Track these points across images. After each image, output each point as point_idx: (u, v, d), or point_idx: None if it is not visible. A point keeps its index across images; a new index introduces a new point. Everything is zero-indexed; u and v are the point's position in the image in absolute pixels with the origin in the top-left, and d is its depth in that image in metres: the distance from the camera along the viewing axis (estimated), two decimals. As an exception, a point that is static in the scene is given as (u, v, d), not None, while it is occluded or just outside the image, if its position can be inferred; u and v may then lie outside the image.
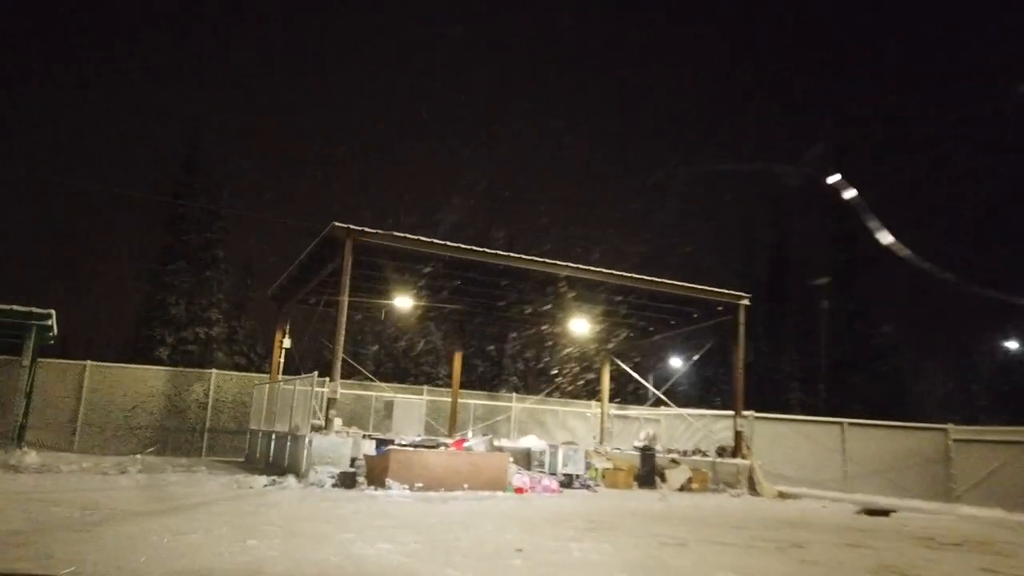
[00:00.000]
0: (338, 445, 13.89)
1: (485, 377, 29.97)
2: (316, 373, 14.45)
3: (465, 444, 13.76)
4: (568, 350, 22.91)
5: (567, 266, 16.74)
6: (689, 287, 18.18)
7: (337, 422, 16.65)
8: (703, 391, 34.90)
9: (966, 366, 39.13)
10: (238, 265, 28.86)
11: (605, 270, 17.18)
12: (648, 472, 17.29)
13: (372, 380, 22.11)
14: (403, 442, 15.59)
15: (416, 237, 15.21)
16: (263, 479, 12.51)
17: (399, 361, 27.76)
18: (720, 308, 19.70)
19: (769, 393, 33.97)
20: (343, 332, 14.54)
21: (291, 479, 12.73)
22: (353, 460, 14.20)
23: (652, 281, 17.72)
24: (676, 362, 34.89)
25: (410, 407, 17.81)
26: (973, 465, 20.44)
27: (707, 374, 34.28)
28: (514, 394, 24.52)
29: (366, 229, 14.81)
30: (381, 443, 15.91)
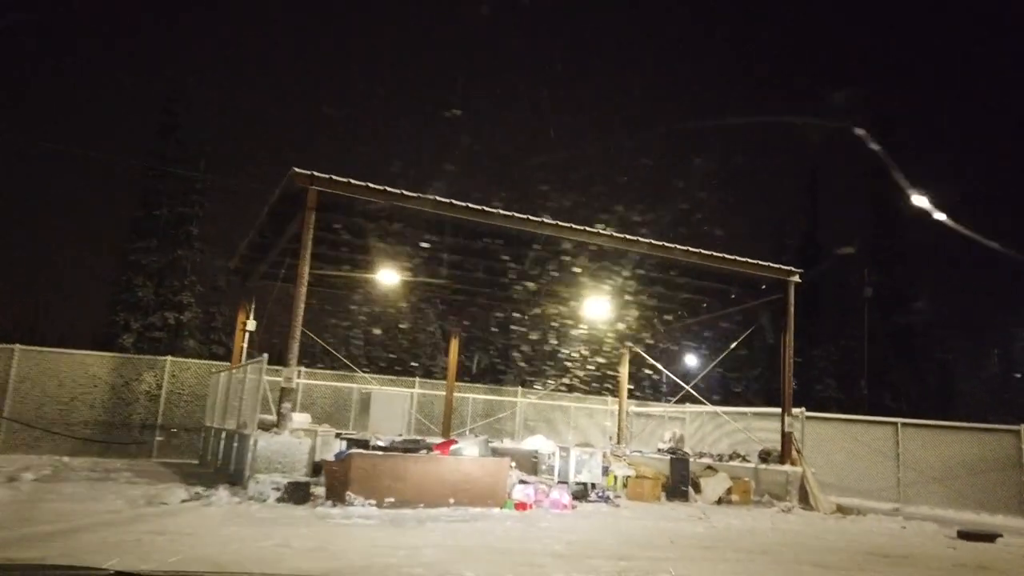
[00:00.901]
0: (292, 447, 10.93)
1: (489, 370, 26.99)
2: (266, 357, 11.50)
3: (453, 447, 10.77)
4: (582, 337, 19.82)
5: (583, 230, 13.71)
6: (731, 259, 15.09)
7: (300, 418, 13.74)
8: (723, 386, 31.77)
9: (1017, 360, 35.73)
10: (217, 244, 25.90)
11: (628, 236, 14.13)
12: (679, 481, 14.24)
13: (354, 370, 19.12)
14: (379, 443, 12.65)
15: (395, 190, 12.23)
16: (183, 492, 9.56)
17: (392, 350, 24.77)
18: (764, 287, 16.60)
19: (802, 390, 30.83)
20: (301, 306, 11.59)
21: (222, 492, 9.77)
22: (318, 467, 11.30)
23: (685, 251, 14.64)
24: (691, 355, 31.81)
25: (391, 401, 14.83)
26: None
27: (730, 365, 31.08)
28: (519, 388, 21.54)
29: (334, 177, 11.85)
30: (353, 445, 12.98)
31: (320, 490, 10.28)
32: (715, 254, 14.96)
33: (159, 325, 24.17)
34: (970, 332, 33.69)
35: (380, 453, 10.02)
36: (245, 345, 16.00)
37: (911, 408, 28.03)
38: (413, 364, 24.39)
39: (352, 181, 11.97)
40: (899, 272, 34.28)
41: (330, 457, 11.50)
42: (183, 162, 25.93)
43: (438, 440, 13.02)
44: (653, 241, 14.24)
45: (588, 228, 13.76)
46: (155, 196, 25.50)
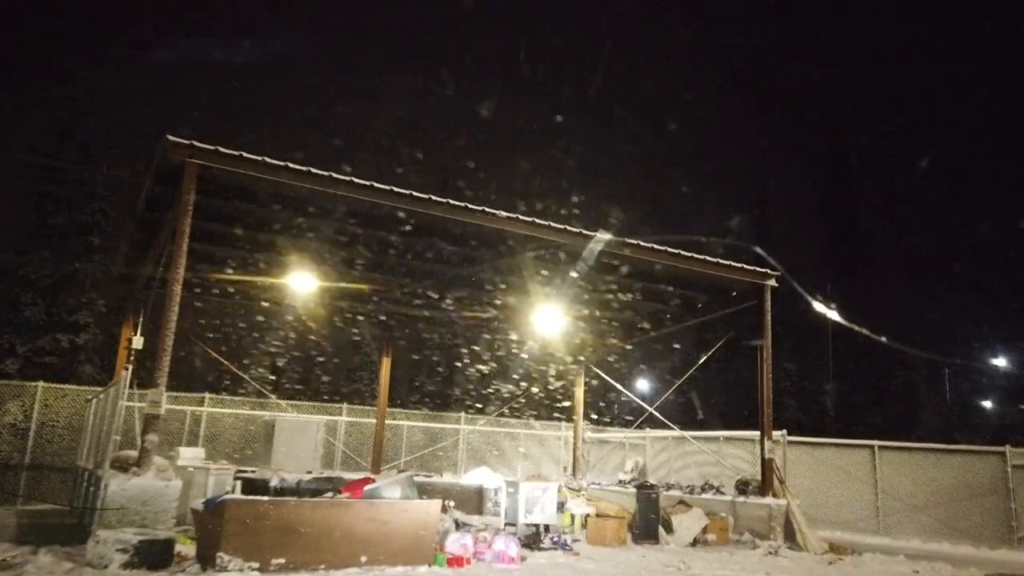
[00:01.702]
0: (156, 492, 8.38)
1: (430, 394, 24.36)
2: (127, 377, 8.97)
3: (368, 488, 8.33)
4: (533, 355, 17.60)
5: (531, 222, 11.56)
6: (699, 259, 13.12)
7: (190, 453, 11.13)
8: (685, 411, 29.86)
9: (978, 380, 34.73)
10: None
11: (584, 231, 12.03)
12: (648, 519, 12.02)
13: (268, 396, 16.45)
14: (286, 482, 10.17)
15: (299, 167, 9.90)
16: (-20, 560, 6.94)
17: (321, 373, 21.90)
18: (735, 293, 14.68)
19: (756, 413, 29.11)
20: (174, 311, 9.13)
21: (44, 557, 7.18)
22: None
23: (648, 248, 12.61)
24: (650, 376, 29.85)
25: (302, 431, 12.28)
26: None
27: (692, 387, 29.20)
28: (463, 414, 19.14)
29: (220, 149, 9.47)
30: (249, 486, 10.44)
31: (187, 549, 7.77)
32: (683, 253, 12.98)
33: (49, 349, 21.05)
34: (932, 351, 32.46)
35: (265, 499, 7.56)
36: (130, 367, 13.26)
37: (876, 431, 26.55)
38: (344, 389, 21.72)
39: (245, 154, 9.60)
40: (857, 288, 33.09)
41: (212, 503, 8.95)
42: (85, 165, 23.03)
43: (373, 476, 10.54)
44: (612, 236, 12.16)
45: (538, 220, 11.62)
46: (50, 202, 22.49)
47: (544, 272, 13.44)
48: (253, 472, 10.84)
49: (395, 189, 10.59)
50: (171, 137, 9.24)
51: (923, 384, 31.57)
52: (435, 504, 8.48)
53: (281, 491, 10.09)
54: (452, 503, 13.14)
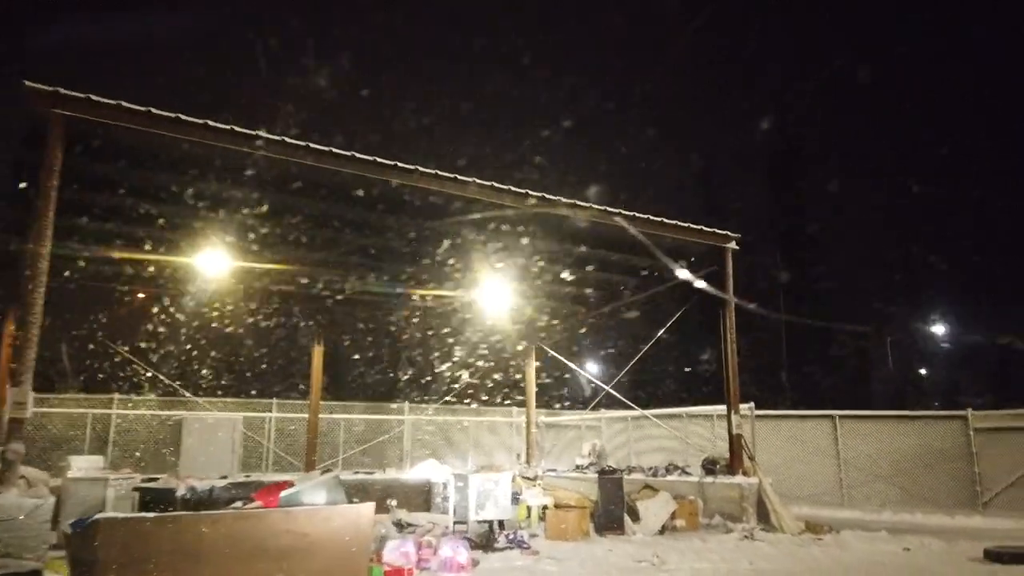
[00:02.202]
0: (20, 512, 6.83)
1: (374, 384, 22.74)
2: None
3: (285, 494, 6.94)
4: (480, 335, 16.31)
5: (472, 182, 10.24)
6: (656, 221, 12.03)
7: (85, 462, 9.54)
8: (639, 389, 29.03)
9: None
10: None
11: (531, 192, 10.77)
12: (612, 508, 10.90)
13: (183, 394, 14.71)
14: (185, 493, 8.74)
15: (193, 119, 8.38)
16: None
17: (248, 368, 20.10)
18: (693, 259, 13.66)
19: (716, 388, 28.48)
20: (39, 293, 7.55)
21: None
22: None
23: (601, 211, 11.45)
24: (602, 353, 28.94)
25: (216, 431, 10.77)
26: (1004, 462, 15.62)
27: (642, 364, 28.34)
28: (407, 404, 17.73)
29: (93, 97, 7.89)
30: (152, 498, 9.00)
31: (59, 582, 6.28)
32: (638, 215, 11.84)
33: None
34: (880, 320, 32.38)
35: (151, 516, 6.10)
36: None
37: (830, 402, 26.23)
38: (278, 385, 19.97)
39: (125, 104, 8.03)
40: (806, 259, 32.75)
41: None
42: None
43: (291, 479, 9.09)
44: (563, 199, 10.93)
45: (479, 180, 10.31)
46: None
47: (489, 243, 12.16)
48: (156, 480, 9.31)
49: (334, 150, 9.17)
50: (30, 83, 7.62)
51: (874, 354, 31.44)
52: (368, 508, 7.14)
53: (188, 501, 8.64)
54: (394, 502, 11.83)
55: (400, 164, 9.66)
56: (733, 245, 12.92)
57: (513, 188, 10.37)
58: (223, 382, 17.11)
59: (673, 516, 11.28)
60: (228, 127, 8.60)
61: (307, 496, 7.10)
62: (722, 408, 13.01)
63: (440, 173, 9.93)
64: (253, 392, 16.83)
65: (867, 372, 30.92)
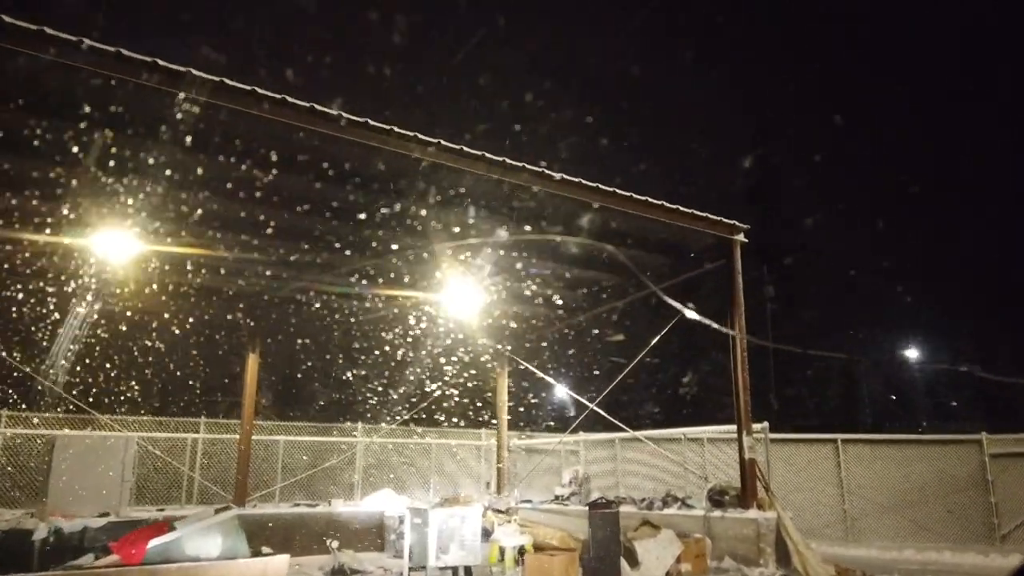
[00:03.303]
0: None
1: (325, 403, 20.20)
2: None
3: (155, 543, 4.75)
4: (445, 345, 14.16)
5: (438, 143, 8.21)
6: (655, 205, 10.10)
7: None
8: (618, 409, 26.98)
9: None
10: None
11: (508, 160, 8.77)
12: (606, 549, 8.79)
13: (89, 412, 12.21)
14: (47, 535, 6.47)
15: (65, 36, 6.26)
16: None
17: (172, 383, 17.33)
18: (693, 255, 11.77)
19: (696, 409, 26.62)
20: None
21: None
22: None
23: (594, 190, 9.50)
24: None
25: (101, 454, 8.46)
26: (1022, 491, 14.14)
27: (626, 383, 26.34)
28: (360, 424, 15.41)
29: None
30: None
31: None
32: (634, 196, 9.91)
33: None
34: (869, 338, 30.97)
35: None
36: None
37: (820, 425, 24.60)
38: (218, 399, 17.33)
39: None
40: (790, 273, 31.30)
41: None
42: None
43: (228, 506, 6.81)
44: (528, 166, 8.89)
45: (444, 141, 8.28)
46: None
47: (453, 229, 10.11)
48: (11, 520, 7.00)
49: (258, 90, 7.11)
50: None
51: (862, 376, 29.95)
52: (279, 563, 4.98)
53: (50, 546, 6.37)
54: (335, 543, 9.63)
55: (348, 115, 7.62)
56: (742, 237, 11.06)
57: (466, 148, 8.36)
58: (130, 395, 14.41)
59: (679, 559, 9.23)
60: (114, 49, 6.49)
61: (191, 545, 4.91)
62: (727, 429, 11.09)
63: (389, 127, 7.89)
64: (174, 410, 14.31)
65: (856, 394, 29.35)
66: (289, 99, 7.31)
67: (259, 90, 7.16)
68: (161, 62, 6.65)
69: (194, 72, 6.79)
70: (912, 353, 31.71)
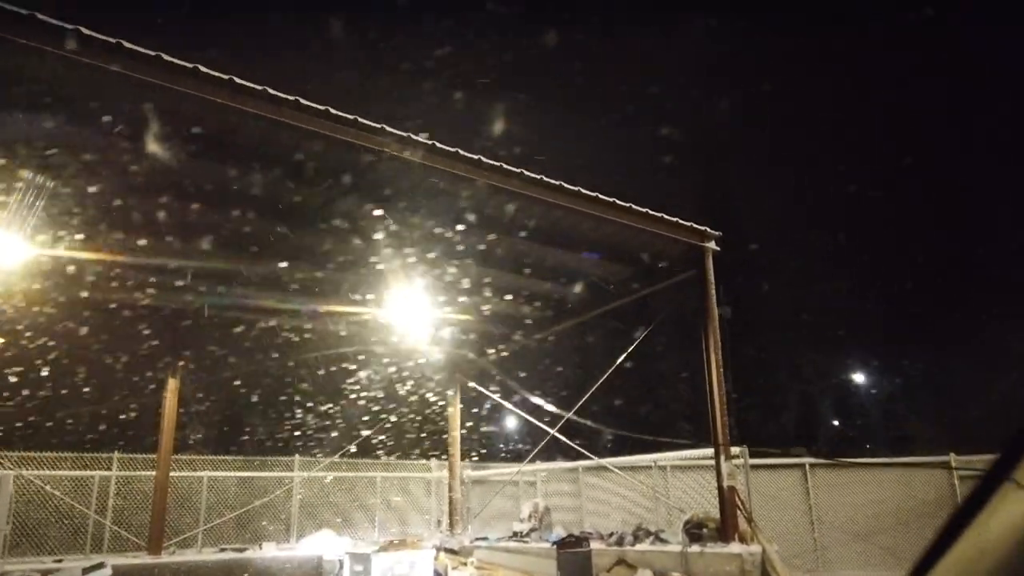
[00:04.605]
0: None
1: (265, 436, 18.41)
2: None
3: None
4: (390, 365, 12.92)
5: (381, 129, 7.13)
6: (623, 207, 9.19)
7: None
8: (586, 433, 25.89)
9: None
10: None
11: (463, 152, 7.73)
12: (576, 595, 7.66)
13: None
14: None
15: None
16: None
17: (88, 413, 15.20)
18: (662, 265, 10.89)
19: (656, 434, 25.73)
20: None
21: None
22: None
23: (556, 188, 8.53)
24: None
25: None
26: None
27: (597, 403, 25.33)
28: (297, 457, 13.87)
29: None
30: None
31: None
32: (601, 197, 8.99)
33: None
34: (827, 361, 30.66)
35: None
36: None
37: (780, 449, 23.97)
38: (135, 433, 15.35)
39: None
40: (744, 292, 30.82)
41: None
42: None
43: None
44: (461, 151, 7.84)
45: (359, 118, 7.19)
46: None
47: (406, 234, 9.00)
48: None
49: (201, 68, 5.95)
50: None
51: (819, 400, 29.57)
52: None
53: None
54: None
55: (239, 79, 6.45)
56: (713, 245, 10.22)
57: (412, 135, 7.29)
58: (22, 426, 12.41)
59: (657, 603, 8.16)
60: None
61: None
62: (702, 454, 10.13)
63: (325, 108, 6.78)
64: (87, 445, 12.54)
65: (814, 419, 28.90)
66: (163, 56, 6.11)
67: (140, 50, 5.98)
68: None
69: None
70: (869, 375, 31.62)
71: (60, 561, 9.37)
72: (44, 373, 10.49)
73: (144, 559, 9.71)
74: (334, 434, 14.87)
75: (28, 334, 9.45)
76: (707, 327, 9.96)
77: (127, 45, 5.81)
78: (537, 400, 12.18)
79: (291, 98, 6.62)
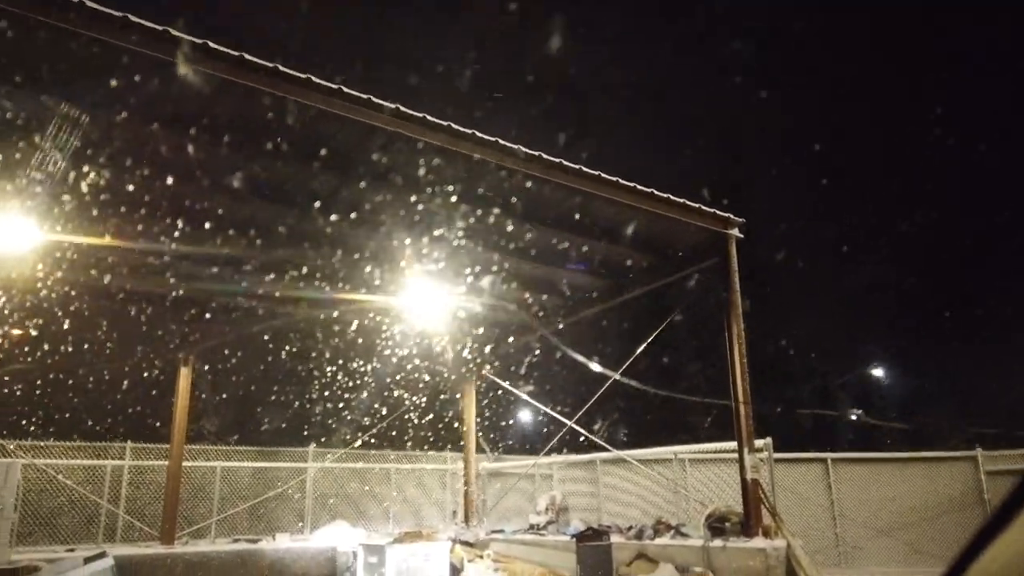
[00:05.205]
0: None
1: (273, 426, 18.35)
2: None
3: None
4: (406, 357, 12.74)
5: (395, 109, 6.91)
6: (644, 192, 8.93)
7: None
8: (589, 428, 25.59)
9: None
10: None
11: (483, 135, 7.51)
12: (596, 590, 7.45)
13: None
14: None
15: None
16: None
17: (102, 401, 15.13)
18: (681, 253, 10.63)
19: (669, 429, 25.44)
20: None
21: None
22: None
23: (577, 173, 8.29)
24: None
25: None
26: None
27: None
28: (312, 448, 13.74)
29: None
30: None
31: None
32: (621, 182, 8.74)
33: None
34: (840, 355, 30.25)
35: None
36: None
37: (801, 446, 23.67)
38: (150, 422, 15.25)
39: None
40: (761, 284, 30.42)
41: None
42: None
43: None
44: (520, 148, 7.65)
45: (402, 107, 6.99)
46: None
47: (423, 218, 8.81)
48: None
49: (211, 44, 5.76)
50: None
51: (837, 394, 29.14)
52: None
53: None
54: None
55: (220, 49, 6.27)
56: (736, 232, 9.94)
57: (428, 117, 7.08)
58: (33, 415, 12.28)
59: (678, 598, 7.94)
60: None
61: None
62: (725, 447, 9.88)
63: (338, 87, 6.58)
64: (99, 428, 12.44)
65: (833, 410, 28.48)
66: (211, 46, 5.96)
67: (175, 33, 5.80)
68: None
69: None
70: (891, 369, 31.15)
71: (72, 550, 9.27)
72: (56, 361, 10.39)
73: (157, 549, 9.60)
74: (348, 426, 14.74)
75: (40, 322, 9.35)
76: (730, 316, 9.69)
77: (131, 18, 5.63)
78: (547, 396, 11.97)
79: (335, 86, 6.50)
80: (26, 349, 9.88)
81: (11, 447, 10.59)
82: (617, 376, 10.43)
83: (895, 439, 28.02)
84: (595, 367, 10.85)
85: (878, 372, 31.35)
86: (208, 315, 10.39)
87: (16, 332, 9.17)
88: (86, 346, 10.73)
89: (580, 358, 11.03)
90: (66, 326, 9.63)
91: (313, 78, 6.49)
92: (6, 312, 8.70)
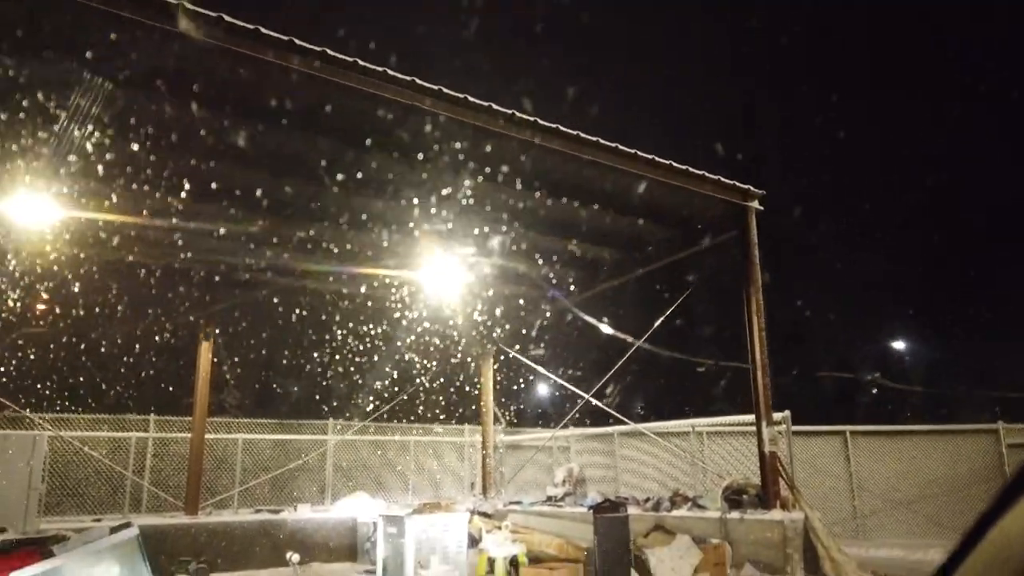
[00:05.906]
0: None
1: (292, 398, 18.54)
2: None
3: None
4: (423, 330, 12.79)
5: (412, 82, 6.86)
6: (663, 164, 8.83)
7: None
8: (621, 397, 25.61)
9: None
10: None
11: (495, 105, 7.44)
12: (618, 561, 7.50)
13: (11, 407, 10.59)
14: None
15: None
16: None
17: (125, 374, 15.40)
18: (699, 226, 10.53)
19: (682, 402, 25.41)
20: None
21: None
22: None
23: (594, 144, 8.21)
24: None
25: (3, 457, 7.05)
26: None
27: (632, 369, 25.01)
28: (331, 420, 13.93)
29: None
30: None
31: None
32: (639, 154, 8.64)
33: None
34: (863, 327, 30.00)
35: None
36: None
37: (820, 419, 23.60)
38: (172, 395, 15.51)
39: None
40: (779, 257, 30.15)
41: None
42: None
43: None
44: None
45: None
46: None
47: (439, 192, 8.78)
48: None
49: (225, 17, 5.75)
50: None
51: (859, 367, 28.92)
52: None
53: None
54: (296, 556, 8.26)
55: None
56: (756, 204, 9.83)
57: (444, 89, 7.02)
58: (60, 389, 12.51)
59: (696, 569, 7.98)
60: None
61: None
62: (742, 419, 9.87)
63: (353, 60, 6.54)
64: (128, 401, 12.67)
65: (853, 385, 28.32)
66: (231, 23, 5.93)
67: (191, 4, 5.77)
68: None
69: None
70: (912, 341, 30.85)
71: (99, 520, 9.49)
72: (80, 335, 10.55)
73: (181, 519, 9.80)
74: (368, 397, 14.86)
75: (64, 294, 9.47)
76: (749, 289, 9.61)
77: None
78: (564, 368, 11.97)
79: (351, 59, 6.41)
80: (50, 322, 10.03)
81: (38, 420, 10.83)
82: (640, 343, 10.38)
83: (915, 413, 27.85)
84: (622, 335, 10.84)
85: (899, 344, 31.08)
86: (230, 290, 10.47)
87: (40, 306, 9.31)
88: (110, 322, 10.85)
89: (607, 328, 11.01)
90: (91, 303, 9.75)
91: (360, 61, 6.51)
92: (34, 288, 8.83)
